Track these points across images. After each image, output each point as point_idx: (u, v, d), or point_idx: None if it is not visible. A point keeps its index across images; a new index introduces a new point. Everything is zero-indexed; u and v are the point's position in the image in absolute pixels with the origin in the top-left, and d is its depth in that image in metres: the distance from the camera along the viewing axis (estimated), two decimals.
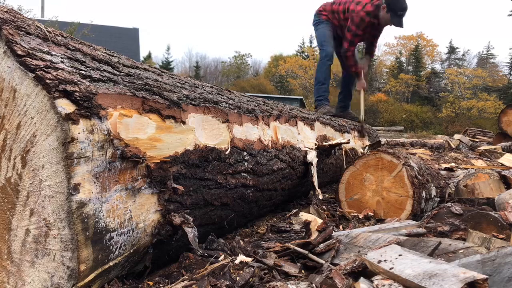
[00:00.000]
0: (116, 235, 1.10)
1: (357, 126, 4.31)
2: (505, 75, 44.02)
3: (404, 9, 4.03)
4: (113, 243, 1.10)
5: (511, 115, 8.06)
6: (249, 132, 1.97)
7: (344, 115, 4.63)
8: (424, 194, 2.20)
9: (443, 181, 2.66)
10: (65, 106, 0.97)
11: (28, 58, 0.98)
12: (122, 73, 1.28)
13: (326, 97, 4.81)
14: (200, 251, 1.35)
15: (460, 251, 1.30)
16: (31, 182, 1.00)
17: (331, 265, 1.28)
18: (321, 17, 4.70)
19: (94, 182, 1.02)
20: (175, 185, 1.31)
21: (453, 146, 7.94)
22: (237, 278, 1.16)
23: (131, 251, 1.19)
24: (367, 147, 4.00)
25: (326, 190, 3.31)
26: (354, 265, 1.17)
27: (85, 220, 0.99)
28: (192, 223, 1.30)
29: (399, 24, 4.09)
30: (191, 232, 1.28)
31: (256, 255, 1.36)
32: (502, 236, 1.58)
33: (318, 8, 4.81)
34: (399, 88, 43.80)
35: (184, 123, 1.45)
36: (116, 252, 1.12)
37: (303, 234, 1.69)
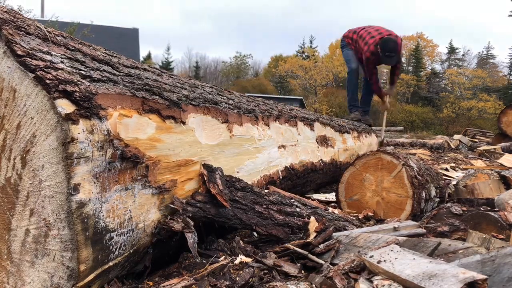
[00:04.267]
0: (116, 235, 1.10)
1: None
2: (505, 76, 44.05)
3: (391, 50, 4.81)
4: (113, 243, 1.10)
5: (511, 115, 8.07)
6: (249, 132, 1.97)
7: (362, 120, 5.55)
8: (423, 194, 2.20)
9: (443, 182, 2.66)
10: (65, 106, 0.97)
11: (28, 58, 0.98)
12: (122, 73, 1.28)
13: (356, 105, 5.90)
14: (199, 259, 1.34)
15: (460, 252, 1.30)
16: (31, 182, 1.00)
17: (330, 265, 1.28)
18: (345, 42, 5.76)
19: (94, 182, 1.02)
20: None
21: (453, 147, 7.94)
22: (237, 278, 1.16)
23: (131, 251, 1.19)
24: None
25: (326, 190, 3.31)
26: (353, 265, 1.17)
27: (85, 220, 0.99)
28: (192, 228, 1.30)
29: (388, 62, 5.02)
30: (191, 237, 1.28)
31: (256, 255, 1.36)
32: (502, 237, 1.58)
33: (344, 33, 5.82)
34: (399, 88, 43.84)
35: (184, 123, 1.45)
36: (116, 252, 1.12)
37: (301, 235, 1.69)
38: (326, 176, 3.22)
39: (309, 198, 2.87)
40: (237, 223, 1.52)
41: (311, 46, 47.37)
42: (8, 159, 1.02)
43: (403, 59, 49.96)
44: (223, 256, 1.38)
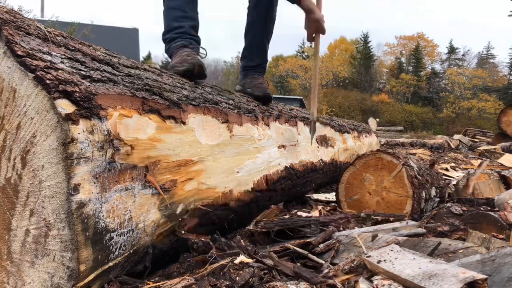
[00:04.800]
0: (116, 235, 1.10)
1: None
2: (505, 75, 44.07)
3: None
4: (113, 243, 1.10)
5: (511, 115, 8.07)
6: (249, 132, 1.97)
7: (244, 87, 2.52)
8: (423, 194, 2.20)
9: (443, 181, 2.66)
10: (65, 106, 0.97)
11: (28, 59, 0.98)
12: (122, 74, 1.28)
13: (186, 30, 2.13)
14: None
15: (460, 251, 1.30)
16: (31, 183, 1.00)
17: (330, 265, 1.29)
18: None
19: (94, 183, 1.02)
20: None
21: (453, 146, 7.95)
22: (237, 278, 1.16)
23: (131, 251, 1.19)
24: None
25: (326, 190, 3.31)
26: (353, 265, 1.17)
27: (85, 221, 0.99)
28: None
29: None
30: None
31: (256, 255, 1.36)
32: (502, 236, 1.58)
33: None
34: (399, 88, 43.87)
35: (184, 123, 1.45)
36: (116, 253, 1.12)
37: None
38: (326, 176, 3.22)
39: (309, 198, 2.87)
40: None
41: (311, 46, 47.36)
42: (8, 159, 1.03)
43: (403, 59, 49.70)
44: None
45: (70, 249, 0.97)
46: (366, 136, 4.73)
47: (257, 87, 2.44)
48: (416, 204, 2.13)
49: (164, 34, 2.19)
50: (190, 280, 1.16)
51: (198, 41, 2.17)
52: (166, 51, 2.16)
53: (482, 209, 2.02)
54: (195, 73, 1.84)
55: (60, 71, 1.02)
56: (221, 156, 1.69)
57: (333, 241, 1.45)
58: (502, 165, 4.61)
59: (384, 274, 1.05)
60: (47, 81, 0.96)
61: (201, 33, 2.23)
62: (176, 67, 1.88)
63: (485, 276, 0.92)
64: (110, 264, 1.10)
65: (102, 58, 1.28)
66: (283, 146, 2.38)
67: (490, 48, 47.63)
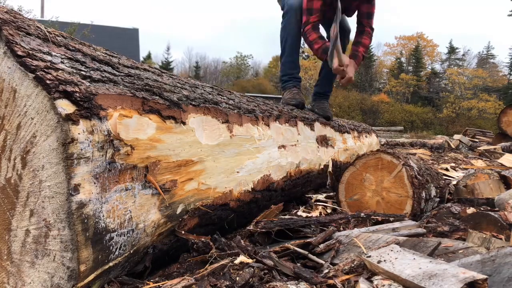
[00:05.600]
0: (116, 235, 1.10)
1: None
2: (505, 75, 44.08)
3: None
4: (113, 243, 1.10)
5: (511, 115, 8.08)
6: (249, 132, 1.97)
7: (313, 107, 3.60)
8: (424, 194, 2.20)
9: (443, 181, 2.66)
10: (65, 106, 0.97)
11: (28, 59, 0.98)
12: (122, 74, 1.28)
13: (295, 76, 3.50)
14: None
15: (460, 251, 1.30)
16: (31, 183, 1.00)
17: (330, 265, 1.29)
18: None
19: (94, 183, 1.02)
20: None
21: (453, 146, 7.95)
22: (237, 278, 1.16)
23: (131, 251, 1.19)
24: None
25: (326, 190, 3.30)
26: (353, 265, 1.17)
27: (85, 221, 0.99)
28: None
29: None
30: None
31: (256, 255, 1.36)
32: (502, 236, 1.58)
33: None
34: (399, 88, 43.89)
35: (184, 123, 1.45)
36: (116, 253, 1.12)
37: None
38: (327, 176, 3.22)
39: (309, 198, 2.87)
40: None
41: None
42: (9, 159, 1.03)
43: (403, 59, 49.73)
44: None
45: (70, 249, 0.97)
46: (366, 136, 4.73)
47: (322, 109, 3.51)
48: (416, 204, 2.13)
49: (283, 75, 3.54)
50: (190, 280, 1.16)
51: (300, 81, 3.57)
52: (282, 87, 3.54)
53: (482, 209, 2.03)
54: (300, 107, 3.17)
55: (60, 71, 1.02)
56: (221, 156, 1.69)
57: (333, 241, 1.45)
58: (502, 165, 4.61)
59: (384, 274, 1.05)
60: (47, 81, 0.96)
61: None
62: (289, 100, 3.24)
63: (485, 276, 0.92)
64: (110, 264, 1.10)
65: (102, 58, 1.28)
66: (283, 146, 2.38)
67: (490, 48, 47.65)
